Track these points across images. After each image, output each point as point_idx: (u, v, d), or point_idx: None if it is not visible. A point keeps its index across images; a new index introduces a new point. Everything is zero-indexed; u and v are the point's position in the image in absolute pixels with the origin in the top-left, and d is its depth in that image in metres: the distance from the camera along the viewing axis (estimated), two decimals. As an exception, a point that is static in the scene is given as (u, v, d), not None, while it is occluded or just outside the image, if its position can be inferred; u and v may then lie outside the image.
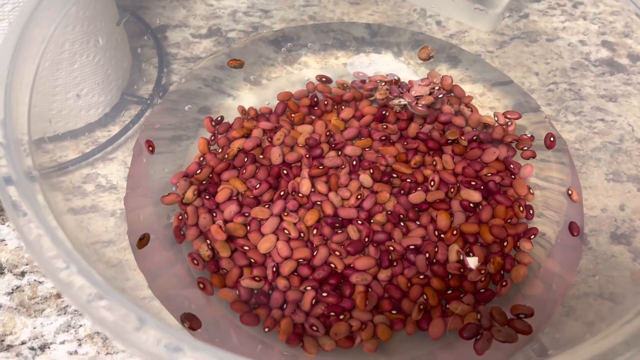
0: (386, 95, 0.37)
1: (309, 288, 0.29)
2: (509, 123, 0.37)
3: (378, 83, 0.38)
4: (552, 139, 0.36)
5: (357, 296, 0.29)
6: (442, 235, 0.32)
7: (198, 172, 0.34)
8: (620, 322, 0.20)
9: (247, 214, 0.32)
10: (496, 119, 0.37)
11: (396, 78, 0.39)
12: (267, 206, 0.32)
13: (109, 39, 0.34)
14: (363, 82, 0.39)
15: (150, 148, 0.35)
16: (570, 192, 0.34)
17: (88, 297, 0.19)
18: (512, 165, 0.35)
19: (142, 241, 0.31)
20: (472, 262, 0.30)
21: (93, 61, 0.34)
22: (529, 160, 0.36)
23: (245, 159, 0.34)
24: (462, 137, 0.35)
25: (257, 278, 0.30)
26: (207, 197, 0.32)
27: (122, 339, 0.18)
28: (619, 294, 0.31)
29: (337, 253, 0.31)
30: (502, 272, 0.31)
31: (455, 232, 0.31)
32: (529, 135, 0.36)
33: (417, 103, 0.37)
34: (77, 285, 0.19)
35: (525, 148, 0.36)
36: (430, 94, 0.38)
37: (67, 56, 0.32)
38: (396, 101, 0.37)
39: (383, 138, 0.36)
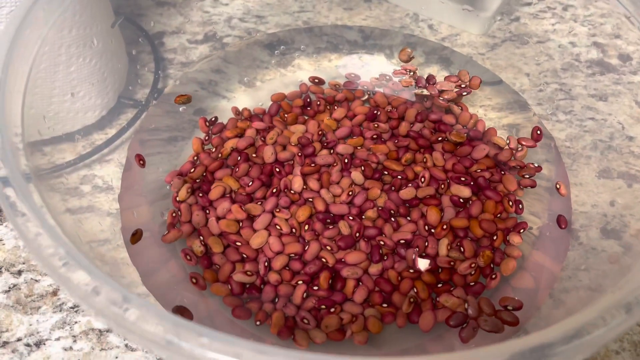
0: (411, 83, 0.38)
1: (300, 282, 0.30)
2: (520, 149, 0.36)
3: (406, 72, 0.39)
4: (538, 132, 0.37)
5: (321, 276, 0.30)
6: (433, 230, 0.32)
7: (192, 170, 0.34)
8: (599, 301, 0.20)
9: (239, 211, 0.32)
10: (508, 142, 0.36)
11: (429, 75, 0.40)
12: (259, 203, 0.33)
13: (104, 43, 0.35)
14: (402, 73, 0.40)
15: (141, 162, 0.35)
16: (558, 186, 0.35)
17: (86, 291, 0.20)
18: (501, 162, 0.35)
19: (135, 236, 0.31)
20: (423, 264, 0.30)
21: (90, 64, 0.35)
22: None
23: (239, 158, 0.35)
24: (450, 133, 0.36)
25: (249, 273, 0.30)
26: (200, 194, 0.33)
27: (123, 328, 0.19)
28: (608, 285, 0.31)
29: (329, 248, 0.31)
30: (492, 265, 0.31)
31: (445, 227, 0.32)
32: (536, 165, 0.35)
33: (439, 96, 0.38)
34: (76, 280, 0.20)
35: (527, 176, 0.35)
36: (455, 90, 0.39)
37: (64, 59, 0.33)
38: (419, 90, 0.38)
39: (374, 136, 0.36)
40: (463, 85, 0.38)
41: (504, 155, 0.35)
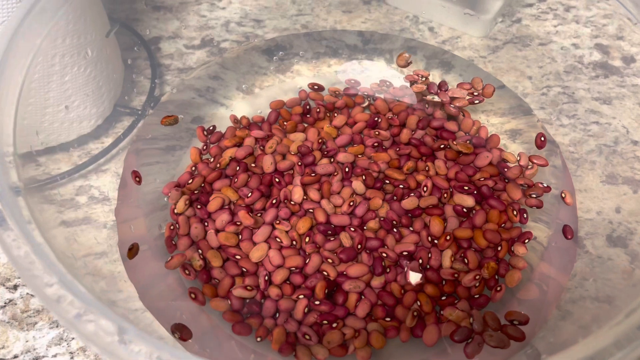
0: (422, 89, 0.38)
1: (301, 296, 0.29)
2: (530, 166, 0.35)
3: (418, 77, 0.39)
4: (542, 138, 0.36)
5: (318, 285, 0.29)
6: (436, 241, 0.31)
7: (190, 181, 0.34)
8: (612, 322, 0.20)
9: (239, 223, 0.32)
10: (518, 158, 0.35)
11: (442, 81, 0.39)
12: (259, 214, 0.32)
13: (99, 51, 0.34)
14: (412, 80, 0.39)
15: (137, 179, 0.34)
16: (563, 195, 0.34)
17: (75, 313, 0.19)
18: (505, 169, 0.35)
19: (132, 251, 0.31)
20: (414, 277, 0.30)
21: (84, 73, 0.34)
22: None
23: (237, 168, 0.34)
24: (454, 142, 0.35)
25: (249, 287, 0.29)
26: (198, 206, 0.32)
27: (111, 354, 0.18)
28: (616, 296, 0.30)
29: (330, 260, 0.30)
30: (496, 277, 0.31)
31: (448, 238, 0.31)
32: (544, 185, 0.34)
33: (451, 103, 0.37)
34: (64, 301, 0.19)
35: (534, 195, 0.33)
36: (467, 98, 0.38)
37: (58, 69, 0.32)
38: (430, 97, 0.37)
39: (375, 144, 0.35)
40: (476, 93, 0.38)
41: (513, 172, 0.34)
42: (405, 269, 0.30)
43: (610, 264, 0.33)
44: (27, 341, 0.30)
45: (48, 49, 0.31)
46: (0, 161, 0.23)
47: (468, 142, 0.36)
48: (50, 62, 0.32)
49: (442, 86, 0.38)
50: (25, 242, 0.21)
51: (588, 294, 0.31)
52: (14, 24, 0.27)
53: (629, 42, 0.44)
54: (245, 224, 0.31)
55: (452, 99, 0.37)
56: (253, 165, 0.35)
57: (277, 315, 0.29)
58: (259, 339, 0.28)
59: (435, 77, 0.41)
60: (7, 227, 0.21)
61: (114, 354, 0.18)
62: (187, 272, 0.30)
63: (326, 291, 0.29)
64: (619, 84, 0.41)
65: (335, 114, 0.38)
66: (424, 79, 0.39)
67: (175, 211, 0.32)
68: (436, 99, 0.37)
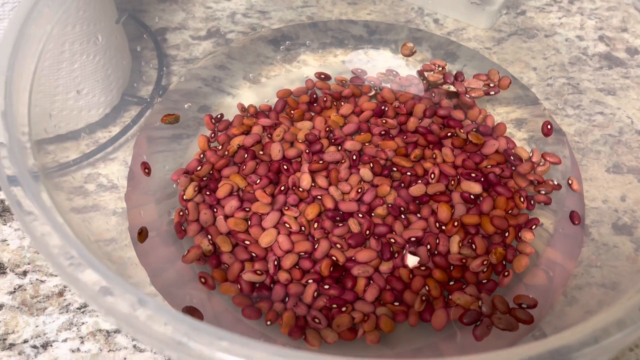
0: (438, 79, 0.38)
1: (310, 281, 0.29)
2: (542, 163, 0.35)
3: (435, 67, 0.39)
4: (549, 126, 0.36)
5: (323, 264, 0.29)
6: (443, 227, 0.32)
7: (198, 168, 0.34)
8: (618, 303, 0.20)
9: (247, 209, 0.32)
10: (531, 154, 0.35)
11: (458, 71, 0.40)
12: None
13: (108, 39, 0.35)
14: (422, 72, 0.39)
15: (147, 170, 0.34)
16: (570, 181, 0.34)
17: (96, 290, 0.19)
18: (512, 157, 0.35)
19: (142, 235, 0.31)
20: (412, 261, 0.30)
21: (93, 61, 0.34)
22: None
23: (246, 155, 0.34)
24: (462, 130, 0.35)
25: (258, 272, 0.30)
26: (207, 193, 0.33)
27: (133, 328, 0.18)
28: (621, 283, 0.31)
29: (339, 246, 0.31)
30: (504, 262, 0.31)
31: (456, 224, 0.31)
32: (555, 183, 0.34)
33: (466, 94, 0.37)
34: (85, 279, 0.20)
35: (543, 192, 0.34)
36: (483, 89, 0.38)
37: (68, 56, 0.33)
38: (446, 86, 0.37)
39: (383, 133, 0.36)
40: (492, 85, 0.38)
41: (524, 168, 0.34)
42: (404, 251, 0.30)
43: (615, 251, 0.33)
44: (37, 326, 0.30)
45: (58, 36, 0.31)
46: (18, 147, 0.24)
47: (475, 130, 0.36)
48: (60, 49, 0.32)
49: (459, 77, 0.39)
50: (46, 222, 0.21)
51: (594, 280, 0.31)
52: (26, 9, 0.27)
53: (633, 34, 0.44)
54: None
55: (468, 89, 0.37)
56: (261, 152, 0.35)
57: (287, 299, 0.29)
58: (268, 323, 0.29)
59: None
60: (26, 211, 0.22)
61: (134, 327, 0.18)
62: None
63: (331, 269, 0.30)
64: (624, 75, 0.41)
65: (342, 103, 0.38)
66: (440, 68, 0.39)
67: (185, 197, 0.33)
68: (452, 88, 0.37)
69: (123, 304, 0.18)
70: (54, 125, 0.34)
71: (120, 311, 0.18)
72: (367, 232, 0.31)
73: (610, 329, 0.19)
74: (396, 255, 0.31)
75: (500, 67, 0.41)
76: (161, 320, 0.18)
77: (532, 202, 0.33)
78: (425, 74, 0.39)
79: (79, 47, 0.33)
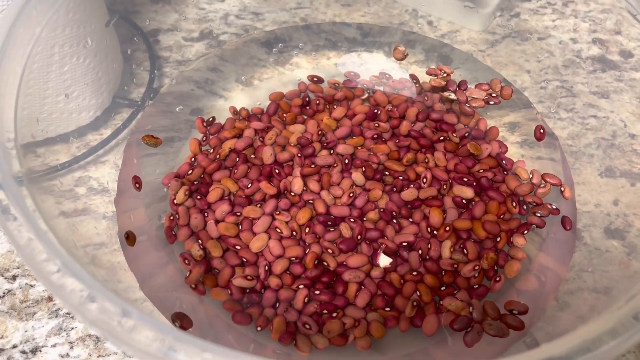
0: (441, 84, 0.38)
1: (301, 286, 0.29)
2: (543, 185, 0.34)
3: (440, 72, 0.39)
4: (541, 130, 0.36)
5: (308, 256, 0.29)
6: (435, 232, 0.31)
7: (189, 172, 0.34)
8: (610, 310, 0.20)
9: (238, 214, 0.32)
10: (531, 175, 0.34)
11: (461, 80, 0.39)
12: (259, 205, 0.32)
13: (98, 42, 0.34)
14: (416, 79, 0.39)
15: (137, 185, 0.33)
16: (562, 189, 0.34)
17: (80, 299, 0.19)
18: (504, 161, 0.35)
19: (129, 239, 0.30)
20: (383, 261, 0.30)
21: (83, 64, 0.34)
22: (523, 157, 0.36)
23: (237, 159, 0.34)
24: (454, 134, 0.35)
25: (249, 277, 0.29)
26: (198, 197, 0.32)
27: (117, 339, 0.18)
28: (613, 287, 0.31)
29: (330, 251, 0.30)
30: (495, 267, 0.31)
31: (448, 229, 0.31)
32: (553, 207, 0.33)
33: (466, 103, 0.37)
34: (69, 288, 0.19)
35: (539, 214, 0.33)
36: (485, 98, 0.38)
37: (57, 59, 0.32)
38: (446, 93, 0.37)
39: (375, 136, 0.36)
40: (494, 95, 0.38)
41: (523, 189, 0.33)
42: (379, 250, 0.30)
43: (607, 255, 0.33)
44: (26, 331, 0.30)
45: (48, 39, 0.31)
46: (2, 151, 0.23)
47: (467, 134, 0.36)
48: (50, 51, 0.32)
49: (462, 85, 0.38)
50: (29, 230, 0.21)
51: (586, 285, 0.31)
52: (14, 11, 0.27)
53: (627, 37, 0.44)
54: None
55: (470, 98, 0.37)
56: (253, 156, 0.35)
57: (277, 305, 0.29)
58: (259, 329, 0.28)
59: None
60: (10, 217, 0.21)
61: (118, 338, 0.18)
62: (187, 262, 0.30)
63: (316, 262, 0.30)
64: (617, 78, 0.41)
65: (335, 106, 0.38)
66: (445, 74, 0.39)
67: (175, 201, 0.32)
68: (452, 96, 0.37)
69: (107, 314, 0.18)
70: (43, 129, 0.34)
71: (104, 322, 0.18)
72: (359, 236, 0.31)
73: (603, 337, 0.19)
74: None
75: (494, 71, 0.41)
76: (146, 330, 0.18)
77: (525, 207, 0.33)
78: (429, 78, 0.39)
79: (69, 50, 0.33)
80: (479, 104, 0.37)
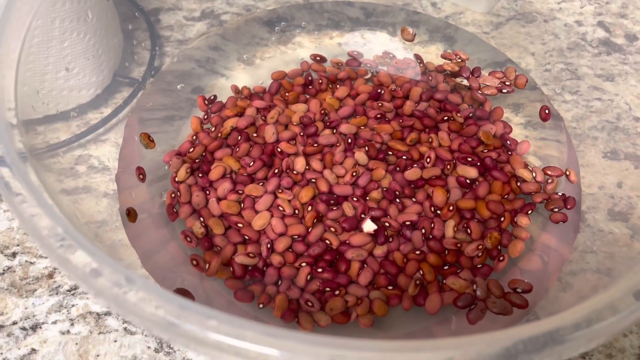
0: (454, 69, 0.37)
1: (304, 264, 0.29)
2: (550, 180, 0.33)
3: (455, 57, 0.38)
4: (547, 111, 0.36)
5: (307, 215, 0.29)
6: (439, 212, 0.31)
7: (191, 150, 0.33)
8: (611, 288, 0.20)
9: (240, 192, 0.31)
10: (534, 174, 0.33)
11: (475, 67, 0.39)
12: (261, 184, 0.32)
13: (99, 17, 0.34)
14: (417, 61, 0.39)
15: (141, 176, 0.33)
16: (568, 172, 0.34)
17: (86, 270, 0.19)
18: (508, 142, 0.34)
19: (131, 215, 0.30)
20: (368, 226, 0.30)
21: (84, 40, 0.33)
22: (527, 138, 0.36)
23: (239, 138, 0.34)
24: (458, 114, 0.35)
25: (251, 254, 0.29)
26: (200, 175, 0.32)
27: (124, 309, 0.18)
28: (615, 269, 0.30)
29: (332, 229, 0.30)
30: (499, 247, 0.31)
31: (451, 208, 0.31)
32: (560, 195, 0.33)
33: (479, 90, 0.37)
34: (75, 260, 0.19)
35: (556, 209, 0.32)
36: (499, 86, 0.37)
37: (57, 34, 0.32)
38: (459, 79, 0.37)
39: (378, 116, 0.35)
40: (507, 83, 0.37)
41: (529, 187, 0.33)
42: (365, 216, 0.30)
43: (611, 237, 0.33)
44: (26, 308, 0.30)
45: (47, 13, 0.31)
46: (5, 127, 0.23)
47: (471, 115, 0.36)
48: (50, 26, 0.31)
49: (475, 72, 0.38)
50: (35, 204, 0.20)
51: (589, 266, 0.31)
52: (14, -17, 0.26)
53: (632, 20, 0.44)
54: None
55: (482, 85, 0.37)
56: (255, 135, 0.34)
57: (280, 282, 0.29)
58: (261, 306, 0.28)
59: (439, 50, 0.41)
60: (15, 192, 0.21)
61: (125, 308, 0.17)
62: (188, 239, 0.30)
63: (314, 221, 0.30)
64: (622, 62, 0.41)
65: (338, 86, 0.37)
66: (459, 59, 0.38)
67: (177, 179, 0.32)
68: (465, 82, 0.37)
69: (112, 285, 0.18)
70: (43, 104, 0.33)
71: (109, 292, 0.18)
72: (362, 215, 0.31)
73: (603, 313, 0.19)
74: (391, 239, 0.30)
75: (499, 52, 0.41)
76: (151, 300, 0.17)
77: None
78: (432, 57, 0.38)
79: (69, 25, 0.32)
80: (492, 92, 0.36)
